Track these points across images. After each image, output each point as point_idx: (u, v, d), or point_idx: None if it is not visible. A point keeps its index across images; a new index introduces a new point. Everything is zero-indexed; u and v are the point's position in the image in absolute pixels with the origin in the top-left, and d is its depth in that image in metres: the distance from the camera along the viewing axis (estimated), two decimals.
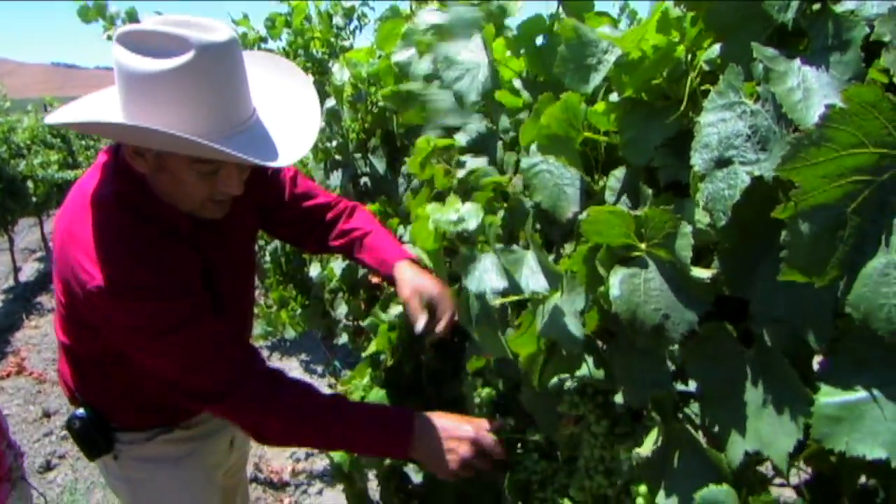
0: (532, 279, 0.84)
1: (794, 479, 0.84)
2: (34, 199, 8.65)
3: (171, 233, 1.34)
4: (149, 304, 1.24)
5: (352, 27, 3.22)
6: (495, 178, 1.14)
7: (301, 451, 3.84)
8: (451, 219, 0.96)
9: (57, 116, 1.25)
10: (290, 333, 3.58)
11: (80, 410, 1.50)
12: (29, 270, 9.00)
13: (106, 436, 1.51)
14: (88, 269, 1.24)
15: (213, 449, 1.67)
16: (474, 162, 1.13)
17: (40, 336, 6.37)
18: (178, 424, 1.58)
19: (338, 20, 3.19)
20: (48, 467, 3.86)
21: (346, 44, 3.10)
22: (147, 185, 1.32)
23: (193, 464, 1.61)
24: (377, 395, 1.54)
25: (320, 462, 3.85)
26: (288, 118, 1.34)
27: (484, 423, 1.31)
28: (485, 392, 1.41)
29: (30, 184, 8.59)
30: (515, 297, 0.89)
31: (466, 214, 0.95)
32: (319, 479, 3.69)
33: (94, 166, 1.40)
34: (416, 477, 1.62)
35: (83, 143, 12.50)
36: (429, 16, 1.54)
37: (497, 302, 0.89)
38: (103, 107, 1.27)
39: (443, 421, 1.31)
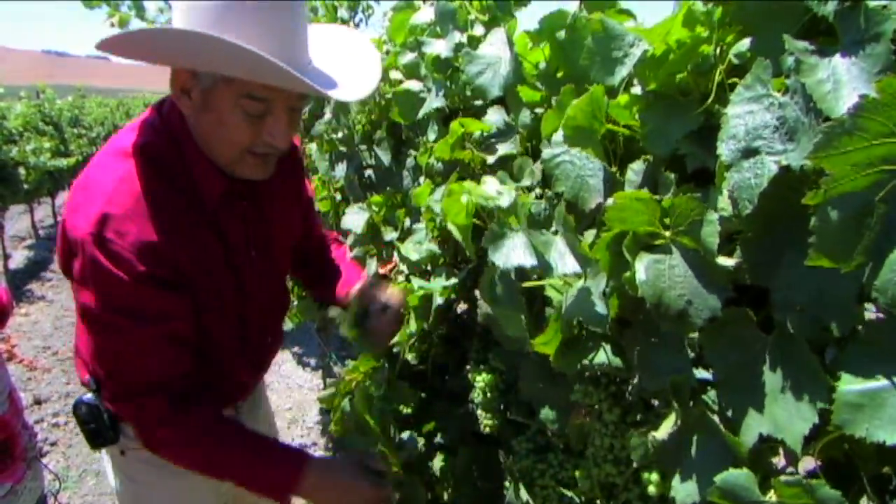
0: (561, 262, 0.85)
1: (801, 472, 0.86)
2: (25, 185, 8.59)
3: (193, 206, 1.27)
4: (130, 277, 1.16)
5: (356, 19, 3.23)
6: (513, 186, 1.15)
7: (295, 444, 3.85)
8: (487, 193, 0.97)
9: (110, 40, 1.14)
10: (287, 325, 3.58)
11: (88, 395, 1.42)
12: (18, 258, 8.94)
13: (112, 426, 1.44)
14: (88, 211, 1.16)
15: None
16: (504, 148, 1.15)
17: (30, 324, 6.35)
18: None
19: (343, 13, 3.20)
20: (39, 454, 3.85)
21: None
22: (183, 144, 1.25)
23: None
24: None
25: (314, 454, 3.85)
26: (345, 66, 1.28)
27: (378, 489, 1.39)
28: (487, 378, 1.42)
29: (21, 170, 8.52)
30: (542, 282, 0.90)
31: (501, 192, 0.97)
32: None
33: (132, 122, 1.32)
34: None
35: (75, 130, 12.41)
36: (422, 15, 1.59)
37: (526, 285, 0.91)
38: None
39: (336, 465, 1.40)
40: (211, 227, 1.30)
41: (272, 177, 1.43)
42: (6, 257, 8.33)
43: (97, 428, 1.42)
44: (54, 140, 10.40)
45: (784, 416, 0.70)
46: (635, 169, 0.95)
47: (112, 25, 4.74)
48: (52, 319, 6.50)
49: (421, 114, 1.47)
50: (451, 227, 1.07)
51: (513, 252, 0.92)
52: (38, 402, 4.57)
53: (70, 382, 4.98)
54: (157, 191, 1.21)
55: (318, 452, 3.87)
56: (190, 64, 1.15)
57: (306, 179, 1.73)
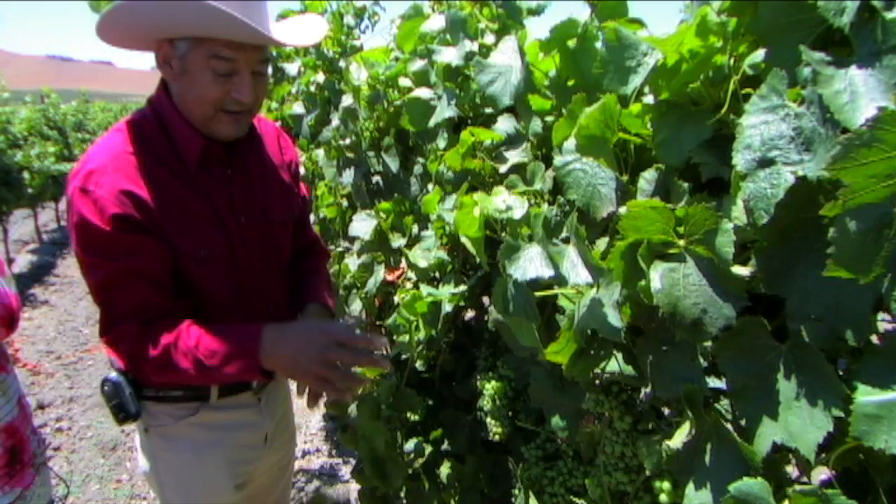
0: (573, 272, 0.85)
1: (815, 481, 0.86)
2: (29, 190, 8.60)
3: (172, 167, 1.45)
4: (104, 218, 1.34)
5: (363, 26, 3.24)
6: (524, 189, 1.16)
7: (298, 451, 3.84)
8: (499, 206, 0.98)
9: (102, 23, 1.37)
10: None
11: (114, 374, 1.56)
12: (22, 262, 8.95)
13: (134, 402, 1.56)
14: (76, 172, 1.40)
15: (242, 442, 1.68)
16: (514, 156, 1.15)
17: (34, 328, 6.35)
18: (208, 401, 1.59)
19: (349, 20, 3.21)
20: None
21: (357, 43, 3.11)
22: (165, 114, 1.46)
23: (216, 454, 1.63)
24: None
25: (317, 460, 3.85)
26: (299, 30, 1.55)
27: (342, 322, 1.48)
28: (496, 385, 1.42)
29: (25, 175, 8.54)
30: (555, 291, 0.91)
31: (513, 203, 0.98)
32: (317, 477, 3.69)
33: None
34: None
35: (79, 135, 12.44)
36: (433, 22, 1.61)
37: (538, 294, 0.91)
38: None
39: (294, 323, 1.51)
40: (192, 186, 1.48)
41: (261, 153, 1.63)
42: (10, 262, 8.34)
43: (120, 402, 1.55)
44: (58, 145, 10.43)
45: (798, 424, 0.70)
46: (648, 178, 0.95)
47: None
48: (55, 324, 6.50)
49: (432, 122, 1.48)
50: (463, 239, 1.09)
51: (530, 264, 0.92)
52: (41, 406, 4.56)
53: (73, 387, 4.98)
54: (135, 151, 1.42)
55: (321, 459, 3.86)
56: (164, 30, 1.35)
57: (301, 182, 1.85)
